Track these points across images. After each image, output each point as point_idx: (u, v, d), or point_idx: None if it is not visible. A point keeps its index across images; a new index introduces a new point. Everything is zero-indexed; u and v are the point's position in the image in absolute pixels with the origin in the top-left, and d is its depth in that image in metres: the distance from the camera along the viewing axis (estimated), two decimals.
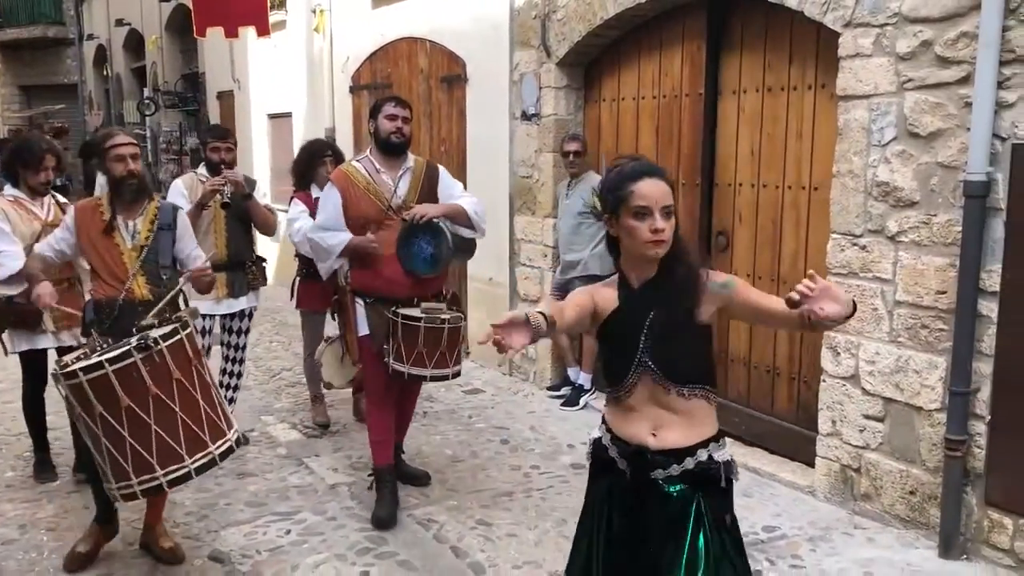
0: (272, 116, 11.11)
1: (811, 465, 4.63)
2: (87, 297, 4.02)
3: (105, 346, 3.29)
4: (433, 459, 5.02)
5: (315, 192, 5.38)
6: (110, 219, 3.75)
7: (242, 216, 5.10)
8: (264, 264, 5.39)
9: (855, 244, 4.25)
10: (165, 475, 3.03)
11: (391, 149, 4.25)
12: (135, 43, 18.80)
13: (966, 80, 3.75)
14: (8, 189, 4.60)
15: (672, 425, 2.32)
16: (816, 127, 4.72)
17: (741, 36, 5.15)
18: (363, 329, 4.27)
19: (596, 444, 2.48)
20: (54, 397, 3.98)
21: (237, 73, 11.94)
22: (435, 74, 7.62)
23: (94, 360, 3.00)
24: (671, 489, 2.32)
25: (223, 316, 5.14)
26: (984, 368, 3.78)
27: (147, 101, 16.56)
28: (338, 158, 5.62)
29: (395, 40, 8.14)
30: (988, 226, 3.72)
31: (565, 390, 6.20)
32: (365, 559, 3.88)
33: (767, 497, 4.54)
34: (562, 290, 6.02)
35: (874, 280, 4.18)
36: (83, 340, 3.84)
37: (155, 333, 3.13)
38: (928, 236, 3.95)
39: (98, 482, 3.56)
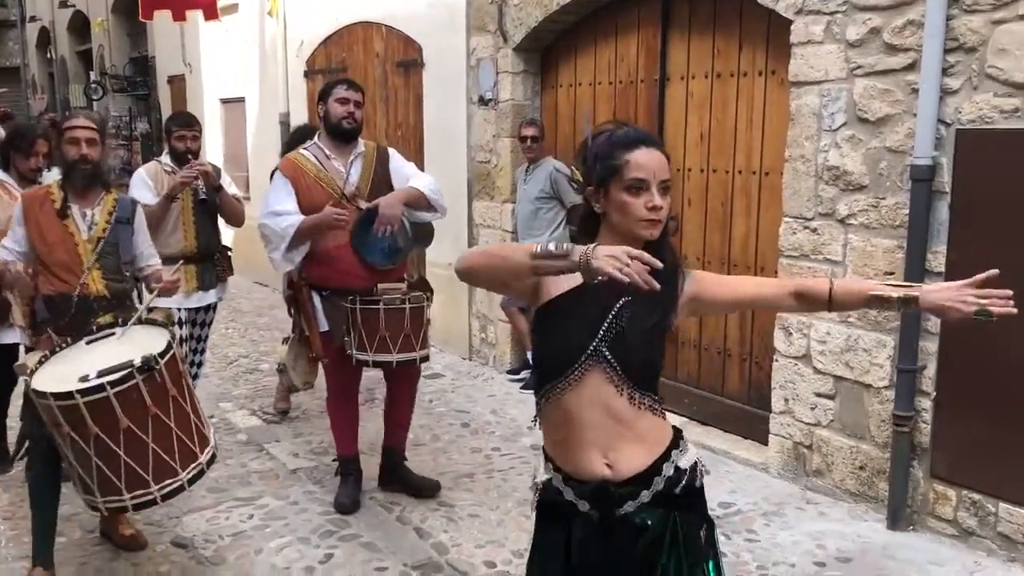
0: (225, 101, 10.96)
1: (764, 443, 4.75)
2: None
3: (64, 345, 3.20)
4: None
5: None
6: (62, 205, 3.50)
7: (210, 207, 4.92)
8: (230, 254, 5.26)
9: (806, 227, 4.36)
10: (160, 489, 2.98)
11: (342, 135, 4.10)
12: (80, 25, 18.36)
13: (912, 67, 3.87)
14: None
15: (624, 446, 1.99)
16: (767, 113, 4.82)
17: (689, 22, 5.23)
18: (322, 324, 4.13)
19: (546, 488, 2.09)
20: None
21: (188, 57, 11.74)
22: (391, 59, 7.60)
23: (94, 383, 2.87)
24: (644, 520, 2.00)
25: (191, 310, 4.94)
26: (930, 346, 3.92)
27: (94, 85, 16.20)
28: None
29: (350, 24, 8.09)
30: (934, 209, 3.85)
31: (524, 373, 6.26)
32: (328, 541, 3.91)
33: (722, 474, 4.66)
34: None
35: (825, 262, 4.30)
36: (32, 338, 3.65)
37: (146, 348, 3.01)
38: (877, 219, 4.07)
39: (45, 514, 3.48)
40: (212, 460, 3.17)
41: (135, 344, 3.11)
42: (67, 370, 3.01)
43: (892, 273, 4.00)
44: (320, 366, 4.89)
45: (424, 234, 4.31)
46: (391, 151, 4.34)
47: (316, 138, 4.17)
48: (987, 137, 3.66)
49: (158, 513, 4.14)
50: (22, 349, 4.30)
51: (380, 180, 4.14)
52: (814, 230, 4.33)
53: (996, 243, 3.62)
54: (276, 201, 4.02)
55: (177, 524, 4.05)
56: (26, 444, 3.69)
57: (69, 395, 2.84)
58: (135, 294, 3.74)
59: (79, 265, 3.46)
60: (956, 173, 3.78)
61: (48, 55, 21.29)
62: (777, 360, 4.58)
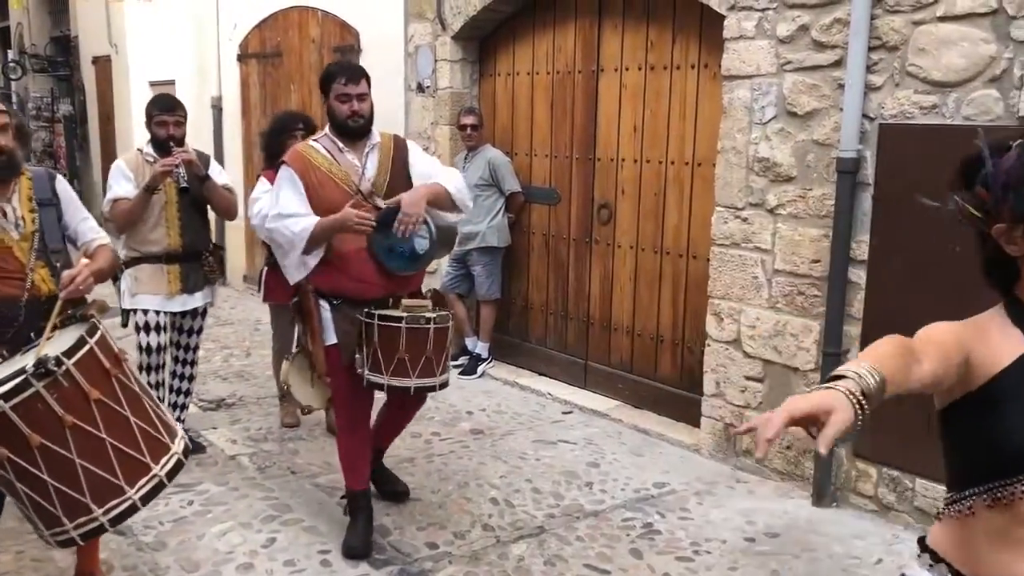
0: (154, 84, 10.69)
1: (696, 425, 4.91)
2: None
3: (2, 359, 2.82)
4: (332, 427, 5.06)
5: None
6: None
7: (198, 200, 4.51)
8: (222, 253, 4.83)
9: (737, 216, 4.52)
10: (105, 512, 2.58)
11: (349, 135, 3.60)
12: None
13: (839, 64, 4.03)
14: None
15: None
16: (700, 105, 4.97)
17: (624, 14, 5.34)
18: (330, 338, 3.63)
19: None
20: None
21: (114, 37, 11.43)
22: (327, 44, 7.55)
23: None
24: None
25: (175, 314, 4.56)
26: (853, 331, 4.11)
27: (13, 64, 15.63)
28: (310, 132, 4.82)
29: (286, 8, 8.00)
30: (858, 200, 4.03)
31: (463, 359, 6.33)
32: (271, 526, 3.92)
33: (656, 456, 4.81)
34: (459, 261, 6.14)
35: (755, 250, 4.46)
36: None
37: (54, 349, 2.57)
38: (804, 209, 4.24)
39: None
40: (176, 469, 2.74)
41: (56, 345, 2.70)
42: None
43: (818, 261, 4.18)
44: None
45: (446, 237, 3.86)
46: (410, 143, 3.86)
47: (327, 129, 3.67)
48: (908, 132, 3.85)
49: None
50: None
51: (398, 175, 3.65)
52: (745, 219, 4.48)
53: (915, 232, 3.82)
54: (285, 201, 3.52)
55: None
56: None
57: None
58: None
59: (20, 268, 2.99)
60: (879, 166, 3.96)
61: None
62: (709, 345, 4.74)
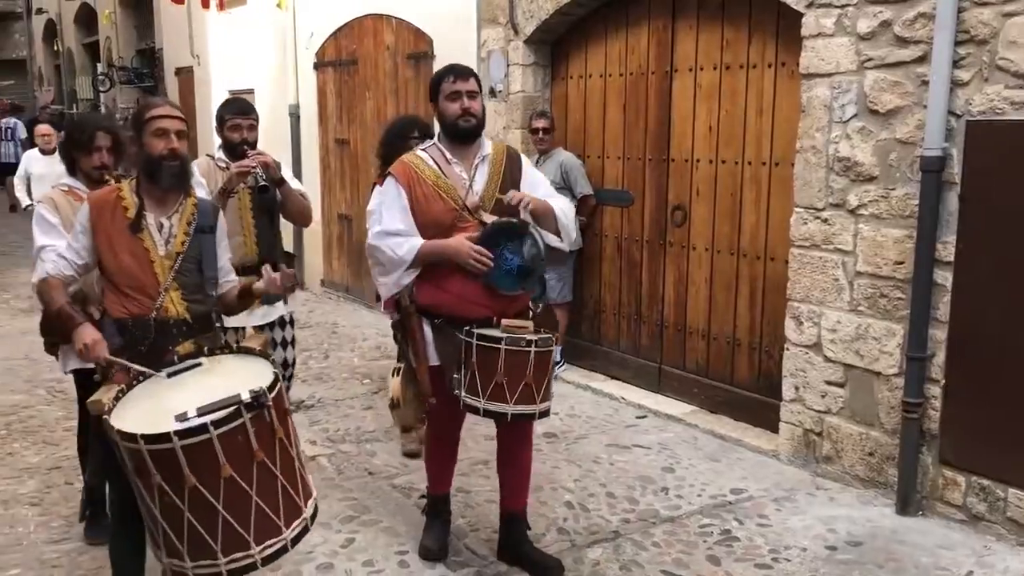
0: (234, 93, 11.00)
1: (774, 430, 4.82)
2: (95, 314, 3.25)
3: (143, 378, 2.75)
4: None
5: None
6: (137, 215, 2.95)
7: (270, 206, 4.38)
8: (293, 262, 4.74)
9: (817, 217, 4.43)
10: (261, 551, 2.50)
11: (462, 136, 3.40)
12: (87, 17, 18.44)
13: (923, 59, 3.92)
14: (65, 178, 3.83)
15: None
16: (777, 104, 4.88)
17: (698, 14, 5.28)
18: (434, 358, 3.46)
19: None
20: None
21: (196, 48, 11.81)
22: (402, 51, 7.66)
23: (195, 422, 2.40)
24: None
25: (259, 328, 4.44)
26: (939, 334, 3.98)
27: (102, 77, 16.29)
28: (428, 138, 4.52)
29: (361, 16, 8.14)
30: (943, 199, 3.90)
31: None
32: (350, 527, 3.98)
33: (733, 461, 4.73)
34: None
35: (835, 252, 4.36)
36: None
37: (260, 384, 2.51)
38: (887, 209, 4.13)
39: (123, 544, 3.06)
40: (315, 514, 2.67)
41: (229, 376, 2.67)
42: (152, 407, 2.59)
43: (902, 263, 4.07)
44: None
45: (556, 259, 3.64)
46: (523, 158, 3.64)
47: (437, 136, 3.51)
48: (997, 128, 3.72)
49: None
50: None
51: (507, 190, 3.41)
52: (825, 220, 4.39)
53: (1005, 233, 3.69)
54: (389, 217, 3.37)
55: None
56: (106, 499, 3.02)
57: (165, 437, 2.36)
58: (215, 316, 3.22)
59: (155, 286, 2.95)
60: (966, 164, 3.83)
61: (55, 47, 21.37)
62: (788, 349, 4.64)
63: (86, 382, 3.71)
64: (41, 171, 8.29)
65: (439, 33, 7.14)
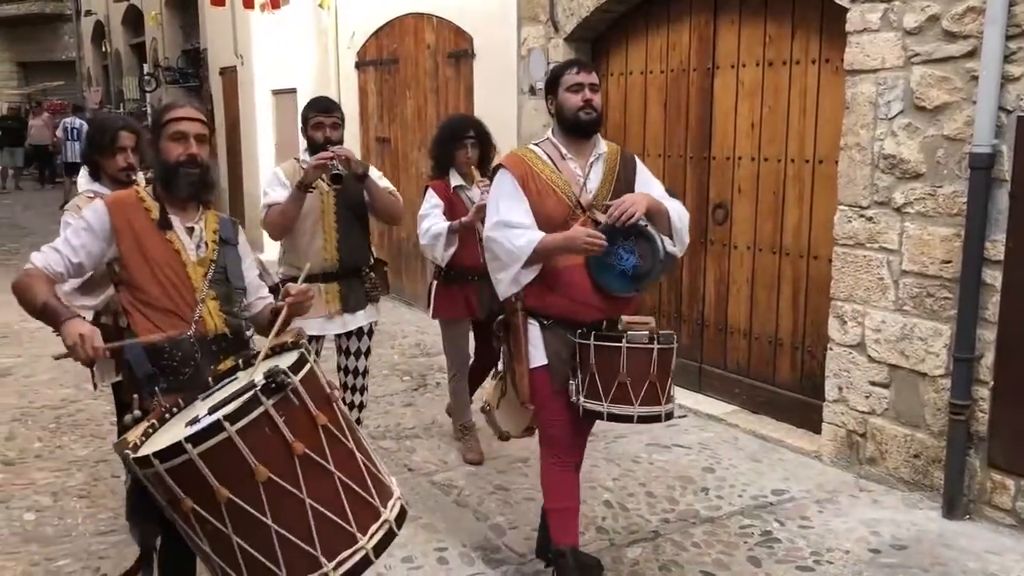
0: (276, 92, 11.14)
1: (817, 431, 4.76)
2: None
3: (177, 410, 2.42)
4: (449, 428, 5.14)
5: (454, 180, 4.53)
6: (162, 213, 2.70)
7: (356, 208, 4.17)
8: (386, 268, 4.44)
9: (862, 215, 4.36)
10: (337, 567, 2.07)
11: (582, 129, 3.24)
12: (134, 19, 18.77)
13: (972, 54, 3.84)
14: (85, 183, 3.67)
15: None
16: (820, 101, 4.81)
17: (740, 10, 5.23)
18: (538, 358, 3.24)
19: None
20: None
21: (240, 49, 11.94)
22: (442, 50, 7.68)
23: (206, 422, 2.05)
24: None
25: (338, 336, 4.25)
26: (987, 335, 3.90)
27: (148, 77, 16.56)
28: (482, 139, 4.59)
29: (401, 15, 8.18)
30: (993, 197, 3.82)
31: None
32: None
33: (775, 462, 4.68)
34: None
35: (880, 250, 4.29)
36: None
37: (282, 362, 2.17)
38: (934, 207, 4.06)
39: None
40: (403, 516, 2.26)
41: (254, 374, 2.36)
42: (175, 431, 2.24)
43: (949, 262, 3.99)
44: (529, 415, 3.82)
45: (667, 264, 3.39)
46: (638, 160, 3.48)
47: (551, 131, 3.36)
48: None
49: None
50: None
51: (621, 191, 3.26)
52: (870, 218, 4.32)
53: None
54: (507, 209, 3.20)
55: None
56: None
57: (177, 448, 2.01)
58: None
59: (191, 294, 2.65)
60: (1016, 161, 3.75)
61: (103, 48, 21.79)
62: (831, 349, 4.58)
63: (119, 398, 3.49)
64: None
65: (479, 31, 7.15)
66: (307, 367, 2.17)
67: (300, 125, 4.21)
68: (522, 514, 4.08)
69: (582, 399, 3.16)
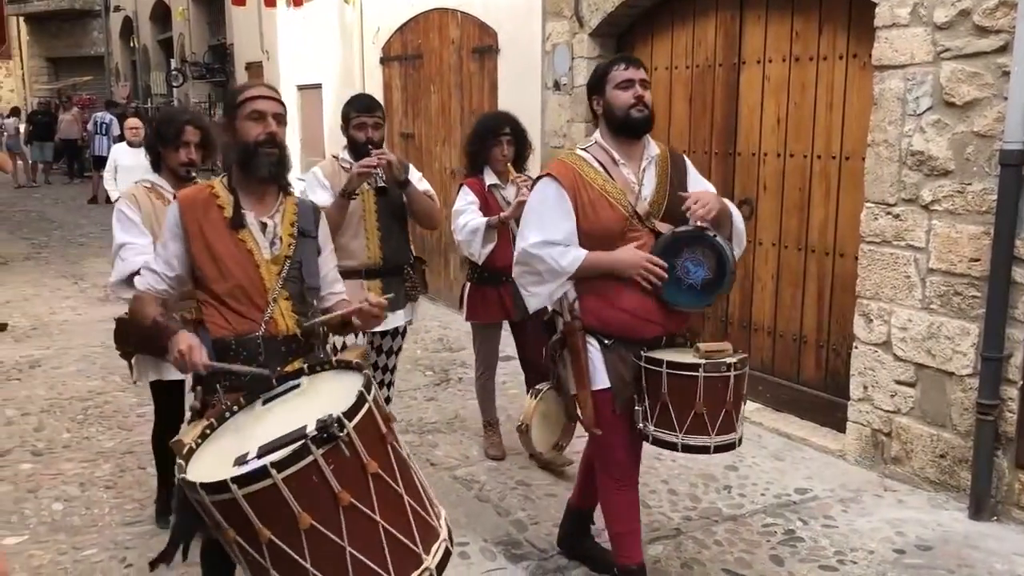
0: (301, 87, 11.21)
1: (841, 430, 4.72)
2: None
3: (236, 409, 2.38)
4: (471, 423, 5.15)
5: (488, 178, 4.45)
6: (235, 210, 2.59)
7: (397, 209, 4.13)
8: (425, 268, 4.45)
9: (889, 212, 4.32)
10: None
11: (633, 129, 3.02)
12: (161, 14, 18.94)
13: (1004, 49, 3.79)
14: (148, 175, 3.65)
15: None
16: (848, 97, 4.77)
17: (767, 5, 5.18)
18: (599, 381, 3.05)
19: None
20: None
21: (266, 44, 12.03)
22: (466, 45, 7.68)
23: (254, 465, 2.01)
24: None
25: (373, 334, 4.16)
26: (1017, 334, 3.85)
27: (175, 72, 16.72)
28: (518, 136, 4.48)
29: (426, 11, 8.19)
30: (1023, 194, 3.77)
31: None
32: None
33: (798, 460, 4.65)
34: None
35: (907, 248, 4.25)
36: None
37: (325, 405, 2.11)
38: (962, 204, 4.01)
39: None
40: (446, 560, 2.18)
41: (317, 399, 2.33)
42: (230, 447, 2.22)
43: (977, 260, 3.95)
44: (559, 432, 3.92)
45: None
46: (687, 160, 3.27)
47: (597, 135, 3.13)
48: None
49: None
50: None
51: (676, 197, 3.04)
52: (897, 216, 4.28)
53: None
54: (552, 224, 2.98)
55: None
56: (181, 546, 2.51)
57: (223, 486, 1.98)
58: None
59: (263, 293, 2.57)
60: None
61: (131, 44, 22.01)
62: (856, 347, 4.54)
63: (167, 397, 3.61)
64: (128, 163, 8.54)
65: (504, 27, 7.15)
66: (365, 408, 2.08)
67: (341, 123, 4.14)
68: (543, 509, 4.08)
69: (651, 428, 3.00)
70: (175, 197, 2.80)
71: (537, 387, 3.58)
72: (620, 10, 5.95)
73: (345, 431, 2.00)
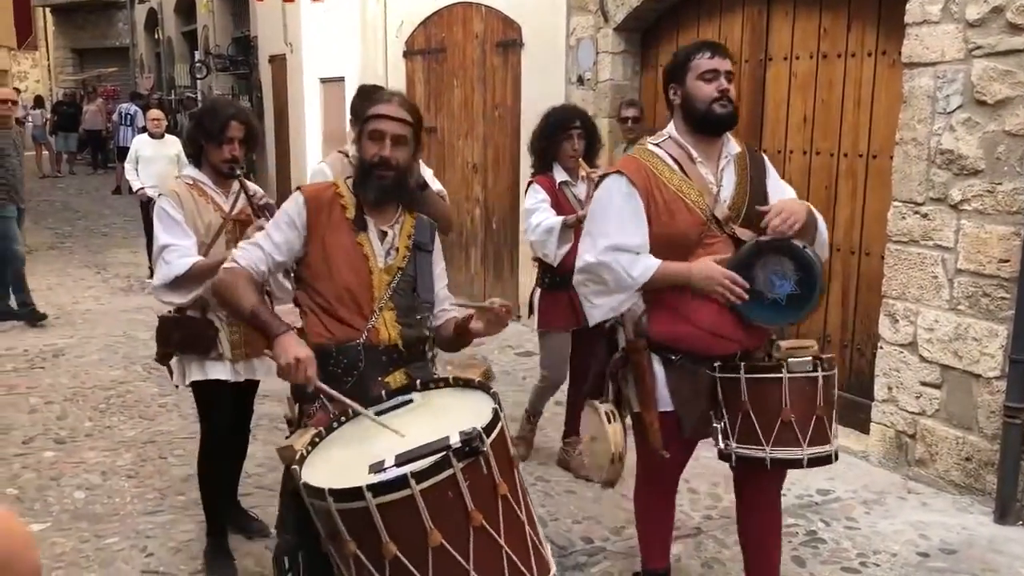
0: (324, 80, 11.22)
1: (865, 431, 4.68)
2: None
3: (344, 419, 2.28)
4: None
5: (558, 175, 4.21)
6: (358, 212, 2.53)
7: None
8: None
9: (917, 212, 4.26)
10: None
11: (715, 125, 2.72)
12: (186, 6, 19.03)
13: None
14: (188, 169, 3.50)
15: None
16: (876, 95, 4.71)
17: (794, 1, 5.13)
18: (663, 403, 2.78)
19: None
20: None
21: (290, 36, 12.05)
22: (490, 39, 7.66)
23: (393, 474, 1.91)
24: None
25: None
26: None
27: (199, 64, 16.80)
28: (589, 130, 4.24)
29: (450, 5, 8.18)
30: None
31: None
32: None
33: None
34: None
35: (935, 248, 4.20)
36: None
37: (477, 422, 1.97)
38: (992, 204, 3.95)
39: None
40: None
41: (443, 415, 2.21)
42: (351, 456, 2.13)
43: (1007, 261, 3.89)
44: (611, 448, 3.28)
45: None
46: (767, 160, 2.95)
47: (672, 129, 2.81)
48: None
49: (268, 478, 4.33)
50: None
51: (756, 199, 2.76)
52: (925, 215, 4.22)
53: None
54: (621, 228, 2.70)
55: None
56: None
57: (356, 492, 1.88)
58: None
59: (370, 302, 2.49)
60: None
61: (155, 36, 22.14)
62: (881, 348, 4.50)
63: (215, 400, 3.37)
64: (149, 154, 8.60)
65: (528, 21, 7.12)
66: (499, 427, 1.99)
67: (350, 118, 3.93)
68: (562, 506, 4.07)
69: (734, 445, 2.71)
70: (299, 190, 2.63)
71: (608, 408, 3.07)
72: (646, 4, 5.91)
73: (486, 446, 1.91)
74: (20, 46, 28.62)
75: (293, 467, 2.07)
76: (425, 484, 1.86)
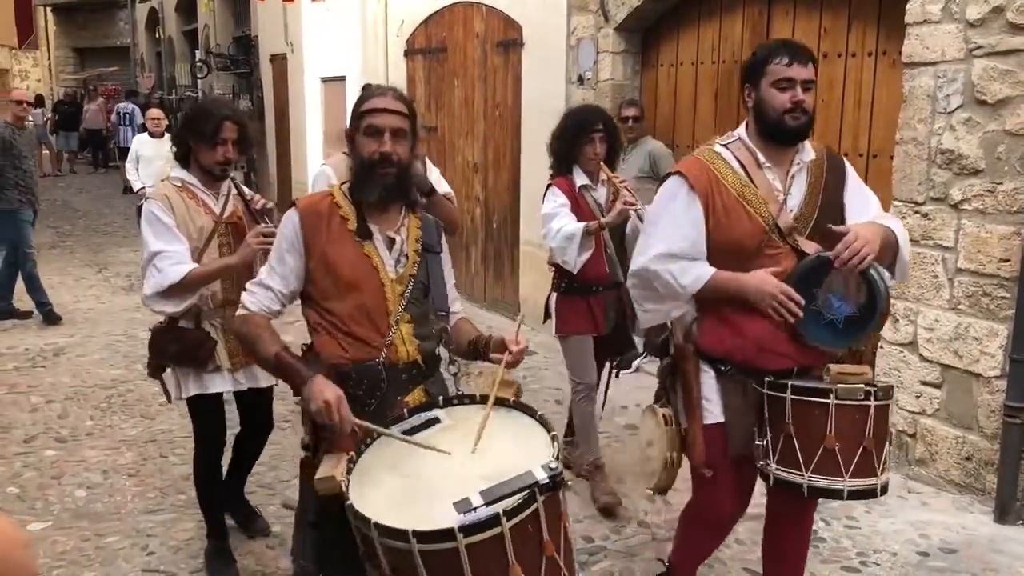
0: (325, 80, 11.23)
1: None
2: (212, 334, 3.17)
3: (370, 441, 2.16)
4: None
5: (578, 179, 4.07)
6: (360, 221, 2.36)
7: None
8: None
9: (917, 211, 4.27)
10: None
11: (784, 137, 2.58)
12: (187, 6, 19.04)
13: None
14: (176, 171, 3.35)
15: None
16: (876, 94, 4.72)
17: (794, 1, 5.13)
18: (713, 414, 2.67)
19: None
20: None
21: (291, 36, 12.05)
22: (491, 39, 7.66)
23: (484, 514, 1.83)
24: None
25: None
26: None
27: (199, 64, 16.80)
28: (611, 133, 4.07)
29: (451, 4, 8.18)
30: None
31: (636, 362, 6.27)
32: None
33: None
34: None
35: (935, 248, 4.20)
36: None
37: (546, 455, 1.97)
38: (992, 204, 3.96)
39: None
40: None
41: (506, 441, 2.11)
42: (401, 487, 2.03)
43: (1007, 260, 3.89)
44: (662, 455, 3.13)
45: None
46: (848, 165, 2.78)
47: (742, 130, 2.69)
48: None
49: (268, 476, 4.34)
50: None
51: (828, 209, 2.62)
52: (925, 215, 4.23)
53: None
54: (673, 233, 2.60)
55: (287, 487, 4.23)
56: None
57: (448, 534, 1.81)
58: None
59: (385, 317, 2.33)
60: None
61: (156, 35, 22.15)
62: (881, 347, 4.50)
63: (210, 413, 3.31)
64: (148, 153, 8.60)
65: (529, 20, 7.12)
66: (560, 454, 1.98)
67: (351, 119, 3.92)
68: (569, 500, 4.06)
69: (773, 466, 2.58)
70: (293, 206, 2.43)
71: (654, 406, 2.93)
72: (646, 4, 5.91)
73: (570, 484, 1.91)
74: (21, 45, 28.60)
75: (349, 503, 1.94)
76: (514, 521, 1.84)
